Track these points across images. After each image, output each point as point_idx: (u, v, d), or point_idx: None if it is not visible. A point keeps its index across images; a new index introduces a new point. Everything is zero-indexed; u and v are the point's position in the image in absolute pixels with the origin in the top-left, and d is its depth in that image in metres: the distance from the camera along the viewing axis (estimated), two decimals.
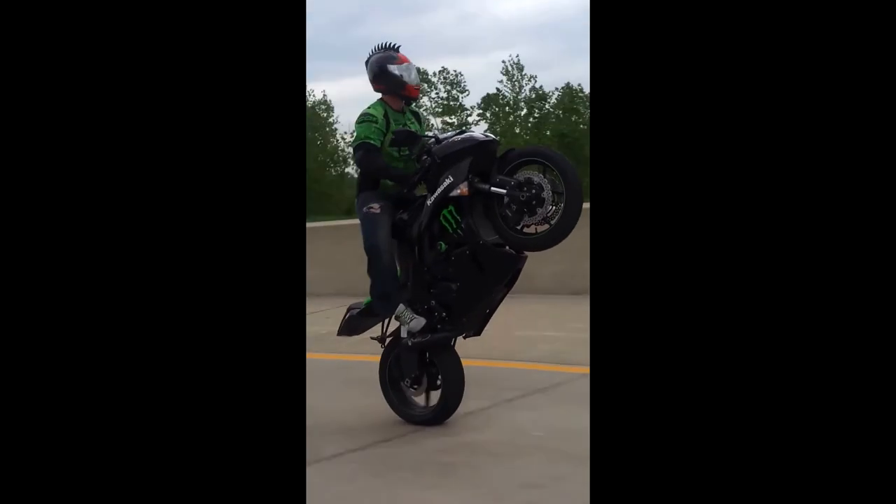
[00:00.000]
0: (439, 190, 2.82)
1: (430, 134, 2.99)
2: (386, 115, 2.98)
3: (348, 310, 3.23)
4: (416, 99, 3.10)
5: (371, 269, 2.95)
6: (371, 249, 2.93)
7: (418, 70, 3.08)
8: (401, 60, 3.01)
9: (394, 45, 3.06)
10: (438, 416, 3.00)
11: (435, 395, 3.05)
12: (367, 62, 3.08)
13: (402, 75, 2.98)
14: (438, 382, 3.03)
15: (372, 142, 2.92)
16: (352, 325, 3.22)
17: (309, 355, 2.53)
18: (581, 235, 2.75)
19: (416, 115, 3.19)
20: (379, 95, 3.06)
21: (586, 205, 2.62)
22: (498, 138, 2.92)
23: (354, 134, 2.98)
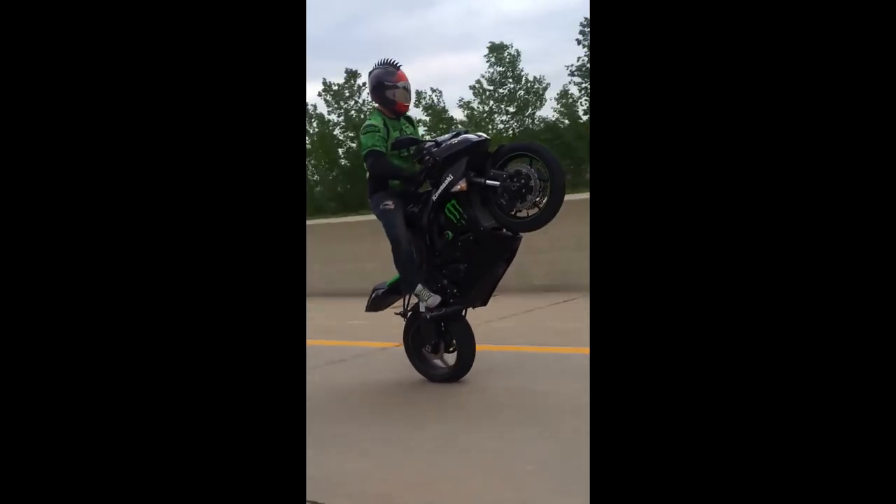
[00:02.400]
0: (442, 187, 3.30)
1: (430, 138, 3.47)
2: (385, 124, 3.47)
3: (373, 290, 3.75)
4: (405, 112, 3.58)
5: (395, 256, 3.46)
6: (393, 240, 3.43)
7: (407, 88, 3.52)
8: (397, 78, 3.48)
9: (394, 63, 3.52)
10: (457, 374, 3.56)
11: (451, 357, 3.61)
12: (369, 73, 3.53)
13: (394, 93, 3.47)
14: (453, 348, 3.58)
15: (378, 148, 3.41)
16: (377, 303, 3.75)
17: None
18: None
19: (410, 120, 3.66)
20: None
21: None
22: (488, 137, 3.38)
23: (362, 143, 3.45)
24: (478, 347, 3.56)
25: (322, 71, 53.53)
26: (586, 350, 3.73)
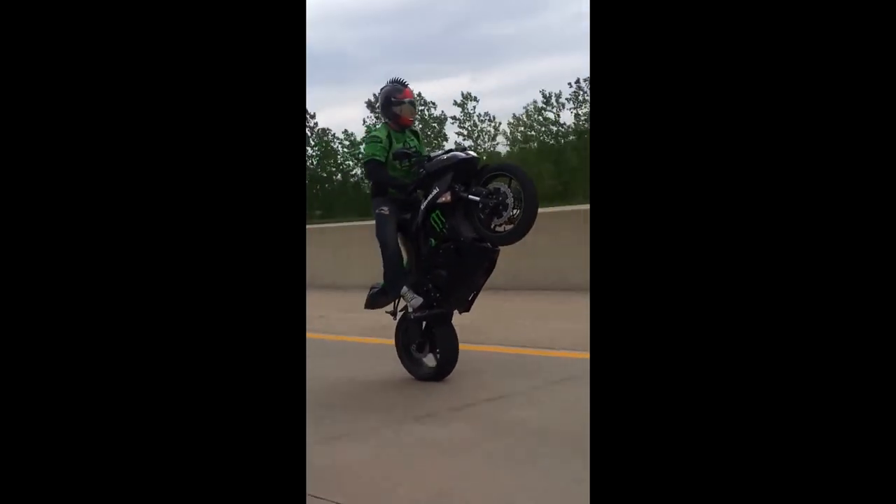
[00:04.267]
0: (429, 198, 3.58)
1: (425, 153, 3.76)
2: (389, 136, 3.77)
3: (371, 289, 4.06)
4: (410, 126, 3.87)
5: (383, 258, 3.76)
6: (381, 242, 3.73)
7: (413, 104, 3.84)
8: (404, 95, 3.80)
9: (402, 81, 3.85)
10: (437, 375, 3.79)
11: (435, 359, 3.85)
12: (380, 90, 3.86)
13: (400, 109, 3.78)
14: (438, 350, 3.82)
15: (377, 158, 3.72)
16: (373, 302, 4.05)
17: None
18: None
19: (416, 134, 3.96)
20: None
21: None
22: (477, 156, 3.63)
23: (363, 151, 3.77)
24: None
25: (419, 74, 55.90)
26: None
